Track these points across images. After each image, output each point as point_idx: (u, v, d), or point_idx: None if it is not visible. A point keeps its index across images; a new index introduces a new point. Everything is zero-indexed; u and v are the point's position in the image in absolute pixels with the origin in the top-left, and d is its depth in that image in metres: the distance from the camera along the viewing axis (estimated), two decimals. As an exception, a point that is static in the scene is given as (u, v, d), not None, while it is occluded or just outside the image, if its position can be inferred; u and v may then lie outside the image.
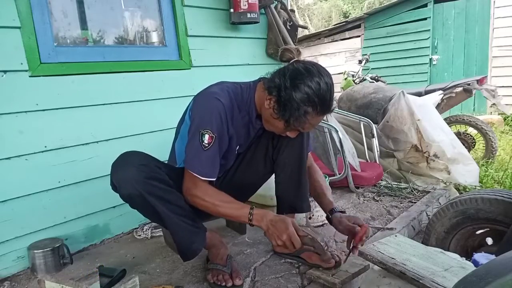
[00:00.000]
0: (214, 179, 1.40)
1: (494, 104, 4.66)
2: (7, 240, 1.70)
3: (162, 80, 2.21)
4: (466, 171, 2.81)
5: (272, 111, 1.35)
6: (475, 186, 2.77)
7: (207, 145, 1.34)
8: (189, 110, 1.47)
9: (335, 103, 1.47)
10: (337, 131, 2.56)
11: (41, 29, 1.75)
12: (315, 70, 1.30)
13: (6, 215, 1.68)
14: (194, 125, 1.38)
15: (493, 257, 1.25)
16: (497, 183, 3.06)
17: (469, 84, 3.59)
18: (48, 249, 1.68)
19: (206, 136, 1.34)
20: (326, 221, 1.69)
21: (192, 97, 1.48)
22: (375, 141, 2.98)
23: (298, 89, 1.28)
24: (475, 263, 1.29)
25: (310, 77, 1.29)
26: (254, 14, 2.46)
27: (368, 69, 5.77)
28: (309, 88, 1.28)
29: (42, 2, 1.75)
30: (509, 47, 6.24)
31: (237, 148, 1.54)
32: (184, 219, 1.41)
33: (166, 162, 1.62)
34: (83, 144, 1.90)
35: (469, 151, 3.40)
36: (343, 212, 1.61)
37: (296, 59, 1.38)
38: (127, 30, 2.23)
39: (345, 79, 5.08)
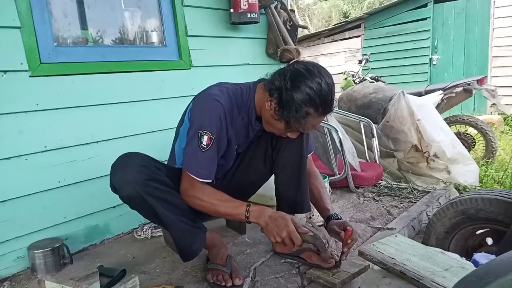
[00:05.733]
0: (211, 181, 1.40)
1: (494, 104, 4.67)
2: (7, 240, 1.70)
3: (162, 80, 2.20)
4: (466, 171, 2.81)
5: (273, 112, 1.34)
6: (475, 186, 2.77)
7: (205, 146, 1.34)
8: (188, 111, 1.46)
9: (335, 103, 1.46)
10: (337, 131, 2.56)
11: (41, 29, 1.74)
12: (315, 71, 1.30)
13: (6, 215, 1.68)
14: (193, 126, 1.38)
15: (493, 257, 1.25)
16: (497, 183, 3.06)
17: (469, 84, 3.59)
18: (48, 249, 1.68)
19: (205, 138, 1.34)
20: None
21: (192, 97, 1.48)
22: (375, 141, 2.98)
23: (299, 90, 1.28)
24: (475, 263, 1.29)
25: (311, 78, 1.28)
26: (254, 14, 2.46)
27: (368, 69, 5.76)
28: (310, 89, 1.27)
29: (42, 2, 1.75)
30: (509, 47, 6.24)
31: (236, 148, 1.54)
32: (184, 219, 1.41)
33: (165, 162, 1.62)
34: (83, 144, 1.90)
35: (469, 151, 3.40)
36: (339, 218, 1.58)
37: (296, 59, 1.37)
38: (127, 30, 2.23)
39: (345, 79, 5.08)
